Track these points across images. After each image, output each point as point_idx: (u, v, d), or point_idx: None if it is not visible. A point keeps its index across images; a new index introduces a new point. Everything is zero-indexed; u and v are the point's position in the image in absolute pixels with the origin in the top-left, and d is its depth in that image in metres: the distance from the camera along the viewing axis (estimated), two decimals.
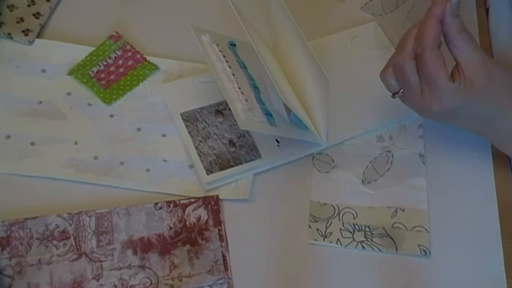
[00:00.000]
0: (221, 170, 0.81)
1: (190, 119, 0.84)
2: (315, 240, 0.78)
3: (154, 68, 0.89)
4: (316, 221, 0.79)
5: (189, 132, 0.83)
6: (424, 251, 0.77)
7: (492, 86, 0.73)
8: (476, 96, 0.73)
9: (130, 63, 0.89)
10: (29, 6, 0.92)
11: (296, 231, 0.78)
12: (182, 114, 0.85)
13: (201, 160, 0.81)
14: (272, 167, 0.82)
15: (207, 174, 0.80)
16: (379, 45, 0.93)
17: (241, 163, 0.81)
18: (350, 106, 0.87)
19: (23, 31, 0.90)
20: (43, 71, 0.87)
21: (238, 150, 0.82)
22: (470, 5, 0.98)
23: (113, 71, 0.88)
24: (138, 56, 0.89)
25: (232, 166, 0.81)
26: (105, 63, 0.88)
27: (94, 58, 0.88)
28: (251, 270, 0.75)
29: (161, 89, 0.87)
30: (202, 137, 0.83)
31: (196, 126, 0.84)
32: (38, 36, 0.90)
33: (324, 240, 0.78)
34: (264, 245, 0.77)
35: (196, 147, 0.82)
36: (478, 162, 0.84)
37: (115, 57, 0.89)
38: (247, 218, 0.79)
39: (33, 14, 0.91)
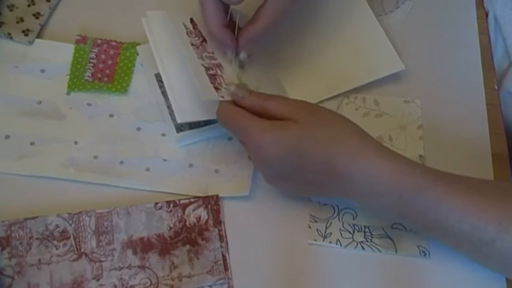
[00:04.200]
0: (191, 129, 0.83)
1: None
2: (315, 240, 0.77)
3: (136, 44, 0.90)
4: (316, 221, 0.78)
5: (162, 93, 0.85)
6: (424, 252, 0.77)
7: (319, 123, 0.72)
8: (305, 138, 0.71)
9: (112, 52, 0.89)
10: (29, 6, 0.92)
11: (296, 232, 0.78)
12: (157, 75, 0.86)
13: (172, 119, 0.83)
14: None
15: (177, 132, 0.82)
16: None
17: (210, 123, 0.82)
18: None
19: (23, 31, 0.89)
20: (42, 71, 0.87)
21: None
22: (470, 5, 0.99)
23: (105, 67, 0.88)
24: (114, 43, 0.90)
25: (201, 126, 0.83)
26: (91, 64, 0.87)
27: (78, 67, 0.87)
28: (251, 271, 0.75)
29: (139, 50, 0.89)
30: None
31: None
32: (38, 36, 0.90)
33: (323, 240, 0.77)
34: (264, 245, 0.77)
35: (168, 107, 0.84)
36: (477, 163, 0.84)
37: (95, 55, 0.88)
38: (247, 218, 0.79)
39: (33, 14, 0.91)
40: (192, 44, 0.80)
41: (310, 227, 0.78)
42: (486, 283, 0.75)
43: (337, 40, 0.92)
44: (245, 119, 0.73)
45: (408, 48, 0.93)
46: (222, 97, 0.76)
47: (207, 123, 0.82)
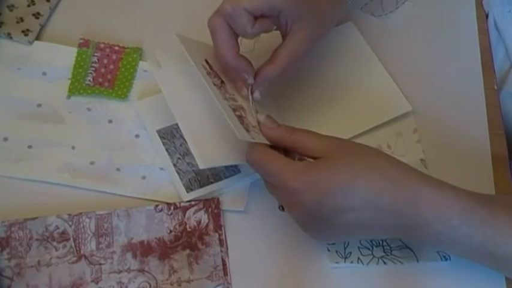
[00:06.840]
0: (201, 187, 0.79)
1: (167, 135, 0.82)
2: (337, 263, 0.76)
3: (139, 50, 0.89)
4: (333, 243, 0.77)
5: (167, 150, 0.82)
6: (444, 256, 0.76)
7: (353, 157, 0.68)
8: (339, 175, 0.66)
9: (114, 57, 0.88)
10: (29, 6, 0.92)
11: (295, 237, 0.77)
12: (159, 131, 0.83)
13: (180, 178, 0.80)
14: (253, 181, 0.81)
15: (187, 192, 0.79)
16: (354, 45, 0.93)
17: (221, 179, 0.80)
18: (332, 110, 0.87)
19: (22, 31, 0.89)
20: (44, 74, 0.87)
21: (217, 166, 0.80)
22: (470, 6, 0.98)
23: (106, 72, 0.87)
24: (117, 47, 0.89)
25: (212, 182, 0.80)
26: (93, 68, 0.87)
27: (80, 70, 0.87)
28: (251, 275, 0.75)
29: (137, 106, 0.85)
30: (180, 154, 0.81)
31: (173, 143, 0.82)
32: (38, 37, 0.90)
33: (345, 261, 0.76)
34: (264, 250, 0.77)
35: (174, 165, 0.81)
36: (478, 164, 0.84)
37: (98, 59, 0.88)
38: (247, 222, 0.79)
39: (33, 14, 0.91)
40: (215, 85, 0.75)
41: (329, 250, 0.76)
42: (485, 283, 0.76)
43: (343, 86, 0.89)
44: (278, 161, 0.69)
45: (408, 49, 0.93)
46: (253, 139, 0.71)
47: (217, 178, 0.80)
